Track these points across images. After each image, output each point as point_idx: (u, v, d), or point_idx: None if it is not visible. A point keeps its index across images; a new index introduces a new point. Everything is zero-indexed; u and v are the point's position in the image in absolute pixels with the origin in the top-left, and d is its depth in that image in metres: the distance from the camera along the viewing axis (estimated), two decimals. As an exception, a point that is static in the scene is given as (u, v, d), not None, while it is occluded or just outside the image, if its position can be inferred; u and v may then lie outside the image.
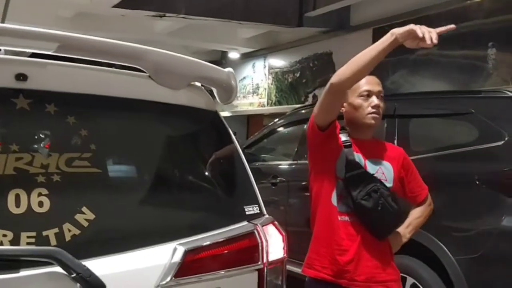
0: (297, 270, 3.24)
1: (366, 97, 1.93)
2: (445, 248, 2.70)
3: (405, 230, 2.03)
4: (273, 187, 4.10)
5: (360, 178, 1.89)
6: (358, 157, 1.95)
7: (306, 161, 2.10)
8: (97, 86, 1.46)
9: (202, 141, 1.71)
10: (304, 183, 3.81)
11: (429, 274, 2.81)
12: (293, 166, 4.07)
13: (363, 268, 1.88)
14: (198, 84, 1.70)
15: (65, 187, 1.34)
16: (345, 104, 1.99)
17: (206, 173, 1.67)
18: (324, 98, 1.86)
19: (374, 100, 1.93)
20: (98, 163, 1.40)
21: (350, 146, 1.96)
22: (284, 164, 4.29)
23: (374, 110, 1.93)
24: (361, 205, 1.86)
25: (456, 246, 2.70)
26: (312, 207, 2.04)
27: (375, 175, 1.93)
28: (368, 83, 1.95)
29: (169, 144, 1.64)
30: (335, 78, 1.80)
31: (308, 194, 3.77)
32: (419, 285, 2.82)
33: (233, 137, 1.74)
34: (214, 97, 1.75)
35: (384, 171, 1.96)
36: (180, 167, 1.62)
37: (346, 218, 1.91)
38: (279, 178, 4.13)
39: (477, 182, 2.71)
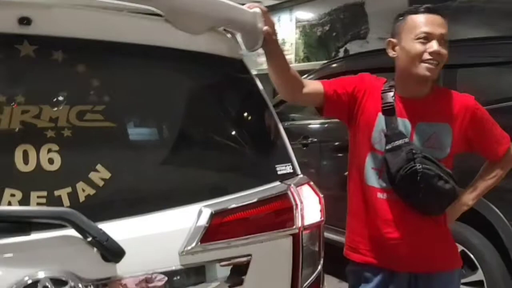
0: (332, 236, 3.25)
1: (424, 40, 1.68)
2: (499, 212, 2.60)
3: (468, 196, 1.85)
4: (304, 148, 4.06)
5: (401, 152, 1.68)
6: (403, 122, 1.74)
7: (339, 120, 1.96)
8: (109, 31, 1.40)
9: (227, 93, 1.64)
10: (337, 143, 3.80)
11: (480, 240, 2.73)
12: (325, 125, 3.99)
13: (416, 250, 1.74)
14: (220, 28, 1.62)
15: (77, 143, 1.30)
16: (396, 48, 1.76)
17: (232, 129, 1.61)
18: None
19: (434, 45, 1.66)
20: (113, 117, 1.35)
21: (392, 109, 1.74)
22: (315, 123, 4.21)
23: (431, 57, 1.67)
24: (400, 187, 1.70)
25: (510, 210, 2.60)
26: (348, 179, 1.90)
27: (424, 146, 1.72)
28: (427, 22, 1.69)
29: (189, 96, 1.58)
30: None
31: (341, 155, 3.77)
32: (468, 253, 2.74)
33: (261, 88, 1.66)
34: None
35: (439, 137, 1.74)
36: (202, 121, 1.56)
37: (387, 195, 1.74)
38: (310, 139, 4.08)
39: None
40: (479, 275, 2.71)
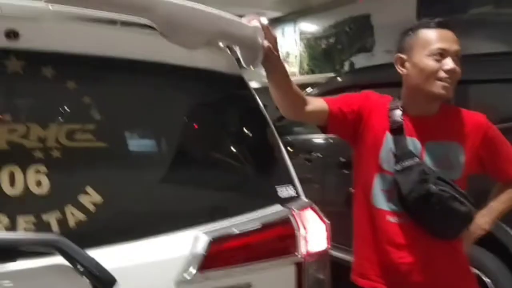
0: (335, 253, 3.17)
1: (438, 57, 1.60)
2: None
3: (482, 219, 1.75)
4: (308, 163, 3.99)
5: (412, 172, 1.59)
6: (413, 141, 1.66)
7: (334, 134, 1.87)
8: (100, 46, 1.34)
9: (225, 111, 1.57)
10: (342, 159, 3.73)
11: (496, 264, 2.63)
12: (330, 141, 3.92)
13: (431, 277, 1.65)
14: (219, 43, 1.56)
15: (67, 164, 1.24)
16: (407, 64, 1.68)
17: (231, 148, 1.54)
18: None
19: (449, 62, 1.59)
20: (104, 137, 1.29)
21: (400, 128, 1.67)
22: (319, 138, 4.14)
23: (446, 76, 1.59)
24: (412, 209, 1.62)
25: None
26: (354, 201, 1.81)
27: (436, 166, 1.64)
28: (442, 38, 1.62)
29: (186, 114, 1.51)
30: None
31: (346, 171, 3.71)
32: (483, 277, 2.63)
33: (261, 105, 1.60)
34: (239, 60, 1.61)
35: (451, 157, 1.66)
36: (200, 141, 1.50)
37: (397, 219, 1.65)
38: (314, 154, 4.01)
39: None
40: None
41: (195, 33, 1.43)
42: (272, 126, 1.58)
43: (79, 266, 1.12)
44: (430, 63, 1.61)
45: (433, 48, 1.61)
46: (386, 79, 3.39)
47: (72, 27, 1.33)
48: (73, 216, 1.20)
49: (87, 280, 1.14)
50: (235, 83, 1.56)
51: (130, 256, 1.22)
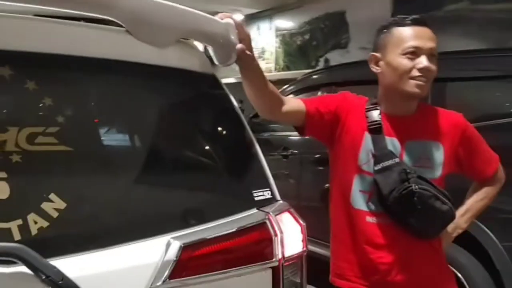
0: (311, 248, 3.17)
1: (412, 55, 1.56)
2: (489, 233, 2.51)
3: (460, 219, 1.73)
4: (284, 159, 3.97)
5: (392, 173, 1.57)
6: (392, 141, 1.63)
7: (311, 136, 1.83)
8: (62, 44, 1.26)
9: (198, 112, 1.51)
10: (318, 155, 3.72)
11: (470, 261, 2.63)
12: (306, 138, 3.88)
13: (410, 277, 1.63)
14: (190, 40, 1.50)
15: (28, 169, 1.16)
16: (381, 63, 1.65)
17: (204, 151, 1.48)
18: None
19: (423, 60, 1.55)
20: (68, 140, 1.21)
21: (379, 128, 1.64)
22: (295, 135, 4.11)
23: (420, 74, 1.56)
24: (394, 210, 1.59)
25: (503, 231, 2.51)
26: (331, 202, 1.78)
27: (415, 165, 1.61)
28: (416, 36, 1.57)
29: (156, 115, 1.44)
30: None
31: (322, 168, 3.69)
32: (457, 273, 2.62)
33: (236, 105, 1.54)
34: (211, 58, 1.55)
35: (430, 156, 1.64)
36: (171, 143, 1.43)
37: (376, 219, 1.63)
38: (290, 150, 3.99)
39: None
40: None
41: (164, 31, 1.36)
42: (248, 127, 1.52)
43: (42, 276, 1.06)
44: (403, 61, 1.57)
45: (406, 46, 1.57)
46: (361, 76, 3.41)
47: (31, 25, 1.24)
48: (36, 224, 1.13)
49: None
50: (208, 82, 1.50)
51: (97, 264, 1.16)
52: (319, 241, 3.22)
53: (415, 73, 1.56)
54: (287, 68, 8.73)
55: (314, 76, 4.47)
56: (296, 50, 8.61)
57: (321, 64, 7.91)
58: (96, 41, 1.32)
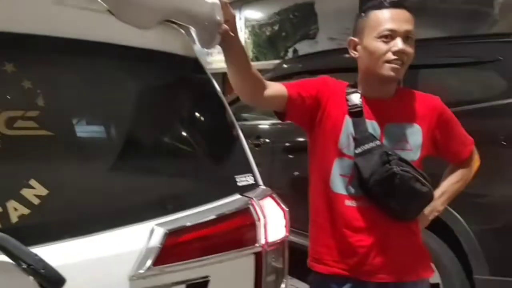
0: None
1: (387, 38, 1.56)
2: (458, 217, 2.57)
3: (437, 201, 1.74)
4: (256, 148, 3.95)
5: (373, 155, 1.57)
6: (372, 124, 1.64)
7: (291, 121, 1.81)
8: (41, 24, 1.21)
9: (180, 96, 1.48)
10: (289, 144, 3.73)
11: (438, 244, 2.68)
12: (278, 126, 3.91)
13: (388, 258, 1.64)
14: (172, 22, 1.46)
15: (7, 155, 1.12)
16: (358, 47, 1.65)
17: (187, 136, 1.46)
18: None
19: (398, 43, 1.55)
20: (49, 124, 1.17)
21: (360, 111, 1.64)
22: (267, 124, 4.14)
23: (395, 57, 1.56)
24: (373, 192, 1.59)
25: (472, 214, 2.57)
26: (310, 187, 1.77)
27: (395, 148, 1.62)
28: (392, 18, 1.56)
29: (137, 99, 1.41)
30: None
31: (293, 156, 3.71)
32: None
33: (219, 89, 1.52)
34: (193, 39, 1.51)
35: (409, 139, 1.65)
36: (153, 128, 1.40)
37: (356, 203, 1.63)
38: (262, 139, 3.99)
39: (503, 143, 2.52)
40: (435, 278, 2.66)
41: (147, 11, 1.33)
42: (230, 112, 1.51)
43: (22, 264, 1.02)
44: (379, 45, 1.58)
45: (381, 29, 1.57)
46: (332, 64, 3.42)
47: (9, 5, 1.19)
48: (16, 211, 1.09)
49: (33, 279, 1.04)
50: (190, 66, 1.48)
51: (80, 252, 1.13)
52: (292, 229, 3.24)
53: (390, 56, 1.56)
54: (256, 58, 8.68)
55: (285, 66, 4.47)
56: (265, 41, 8.58)
57: (290, 55, 7.91)
58: (77, 22, 1.27)
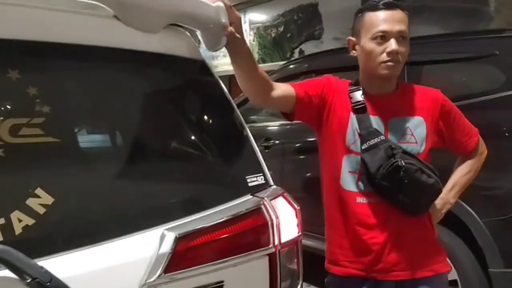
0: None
1: (381, 39, 1.56)
2: (471, 211, 2.50)
3: (448, 194, 1.71)
4: (266, 150, 3.86)
5: (379, 150, 1.56)
6: (376, 121, 1.62)
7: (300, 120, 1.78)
8: (46, 30, 1.15)
9: (188, 99, 1.42)
10: (299, 144, 3.65)
11: (452, 239, 2.60)
12: (287, 127, 3.82)
13: (403, 255, 1.60)
14: (178, 26, 1.40)
15: (11, 163, 1.06)
16: (357, 47, 1.65)
17: (195, 138, 1.39)
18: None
19: (391, 44, 1.55)
20: (55, 131, 1.11)
21: (363, 107, 1.63)
22: (276, 125, 4.05)
23: (388, 58, 1.56)
24: (382, 186, 1.56)
25: (483, 208, 2.50)
26: (323, 187, 1.74)
27: (400, 141, 1.60)
28: (385, 20, 1.56)
29: (145, 103, 1.34)
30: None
31: (305, 156, 3.62)
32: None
33: (226, 91, 1.46)
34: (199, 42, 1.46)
35: (414, 132, 1.63)
36: (162, 131, 1.33)
37: (367, 199, 1.60)
38: (272, 141, 3.90)
39: (506, 134, 2.48)
40: (453, 275, 2.58)
41: (153, 15, 1.27)
42: (239, 113, 1.44)
43: (28, 279, 0.96)
44: (374, 47, 1.58)
45: (374, 31, 1.57)
46: (338, 63, 3.36)
47: (12, 10, 1.13)
48: (20, 222, 1.02)
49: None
50: (198, 69, 1.42)
51: (88, 262, 1.06)
52: (306, 233, 3.17)
53: (385, 57, 1.57)
54: (262, 60, 8.63)
55: (291, 66, 4.40)
56: (271, 43, 8.53)
57: (296, 56, 7.85)
58: (82, 28, 1.22)
